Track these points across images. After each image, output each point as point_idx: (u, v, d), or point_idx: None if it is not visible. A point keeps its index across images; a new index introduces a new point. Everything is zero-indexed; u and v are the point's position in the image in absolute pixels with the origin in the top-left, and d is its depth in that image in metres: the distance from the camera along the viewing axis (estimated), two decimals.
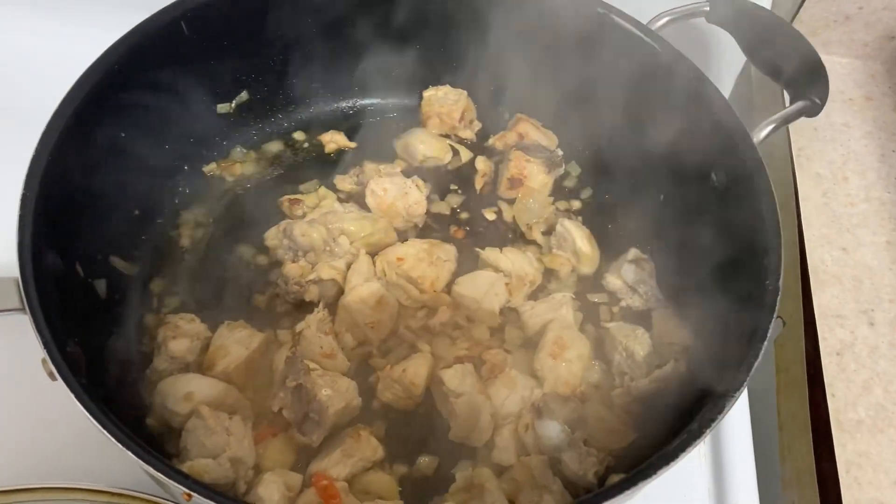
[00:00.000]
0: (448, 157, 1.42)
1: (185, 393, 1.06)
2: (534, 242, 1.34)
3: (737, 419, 1.24)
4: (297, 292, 1.20)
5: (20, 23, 1.57)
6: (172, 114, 1.28)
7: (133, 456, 0.82)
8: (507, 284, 1.24)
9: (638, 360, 1.15)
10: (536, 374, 1.16)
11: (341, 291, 1.21)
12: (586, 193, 1.41)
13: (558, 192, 1.40)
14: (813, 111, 1.18)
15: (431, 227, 1.35)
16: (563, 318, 1.20)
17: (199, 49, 1.26)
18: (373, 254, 1.26)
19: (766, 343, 0.94)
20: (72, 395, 0.85)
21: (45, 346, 0.88)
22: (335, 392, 1.07)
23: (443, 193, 1.39)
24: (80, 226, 1.10)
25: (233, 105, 1.38)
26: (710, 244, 1.16)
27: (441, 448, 1.11)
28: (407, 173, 1.36)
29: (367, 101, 1.49)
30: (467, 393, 1.09)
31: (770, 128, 1.16)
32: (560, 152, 1.41)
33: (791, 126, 1.41)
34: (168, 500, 0.96)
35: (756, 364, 0.93)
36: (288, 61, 1.36)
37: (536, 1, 1.27)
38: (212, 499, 0.80)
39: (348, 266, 1.23)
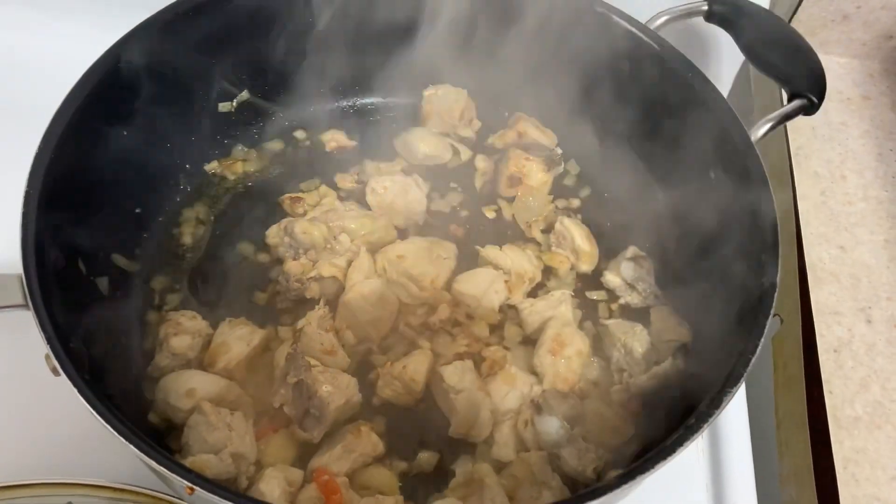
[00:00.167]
0: (448, 155, 1.43)
1: (186, 389, 1.07)
2: (533, 240, 1.34)
3: (735, 415, 1.25)
4: (298, 289, 1.21)
5: (22, 22, 1.57)
6: (174, 112, 1.28)
7: (136, 450, 0.83)
8: (506, 282, 1.24)
9: (636, 357, 1.16)
10: (536, 370, 1.17)
11: (342, 289, 1.22)
12: (585, 191, 1.41)
13: (558, 190, 1.41)
14: (811, 110, 1.18)
15: (431, 225, 1.35)
16: (562, 316, 1.21)
17: (200, 48, 1.27)
18: (373, 251, 1.26)
19: (763, 340, 0.95)
20: (75, 391, 0.86)
21: (49, 341, 0.89)
22: (336, 388, 1.07)
23: (443, 192, 1.39)
24: (83, 223, 1.10)
25: (234, 104, 1.39)
26: (708, 241, 1.17)
27: (441, 444, 1.11)
28: (407, 172, 1.37)
29: (367, 100, 1.50)
30: (467, 389, 1.10)
31: (768, 126, 1.16)
32: (559, 151, 1.41)
33: (789, 125, 1.42)
34: (170, 495, 0.97)
35: (754, 360, 0.94)
36: (289, 60, 1.37)
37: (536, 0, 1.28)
38: (214, 492, 0.80)
39: (349, 264, 1.24)
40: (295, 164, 1.42)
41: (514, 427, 1.11)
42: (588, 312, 1.26)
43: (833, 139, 1.48)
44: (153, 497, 0.96)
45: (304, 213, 1.31)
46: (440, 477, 1.08)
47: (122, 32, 1.17)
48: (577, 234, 1.29)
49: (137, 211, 1.27)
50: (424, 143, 1.41)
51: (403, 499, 1.04)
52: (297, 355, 1.06)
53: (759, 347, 0.94)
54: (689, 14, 1.30)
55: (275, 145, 1.43)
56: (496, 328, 1.23)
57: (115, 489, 0.96)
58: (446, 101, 1.43)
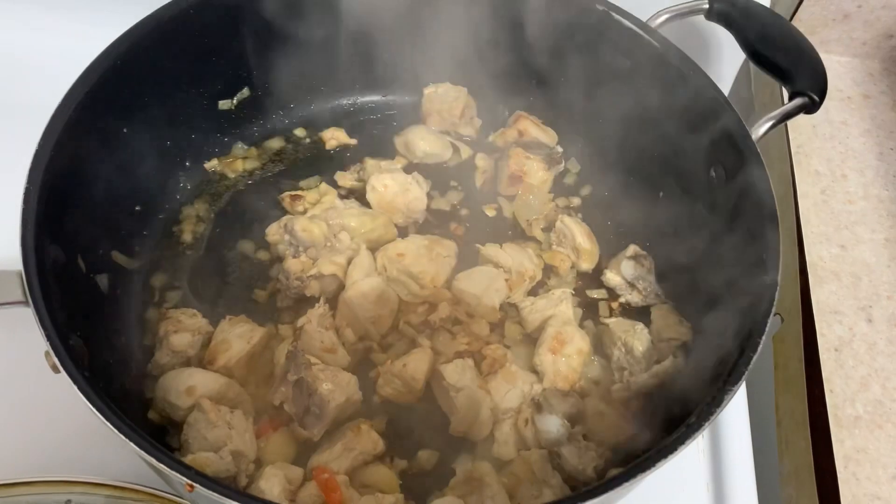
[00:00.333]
0: (448, 153, 1.43)
1: (186, 387, 1.07)
2: (534, 239, 1.34)
3: (735, 414, 1.25)
4: (298, 287, 1.21)
5: (23, 20, 1.57)
6: (174, 110, 1.28)
7: (136, 448, 0.83)
8: (506, 280, 1.24)
9: (637, 356, 1.16)
10: (536, 369, 1.17)
11: (342, 287, 1.22)
12: (586, 190, 1.41)
13: (558, 188, 1.41)
14: (812, 108, 1.18)
15: (432, 224, 1.35)
16: (562, 314, 1.21)
17: (200, 45, 1.27)
18: (373, 249, 1.26)
19: (764, 338, 0.95)
20: (75, 388, 0.86)
21: (49, 338, 0.89)
22: (336, 386, 1.07)
23: (443, 190, 1.39)
24: (83, 220, 1.10)
25: (234, 101, 1.39)
26: (709, 241, 1.17)
27: (441, 442, 1.11)
28: (407, 170, 1.37)
29: (367, 98, 1.50)
30: (467, 387, 1.10)
31: (769, 125, 1.16)
32: (560, 149, 1.41)
33: (789, 123, 1.42)
34: (169, 493, 0.97)
35: (754, 359, 0.93)
36: (289, 58, 1.37)
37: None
38: (214, 490, 0.80)
39: (349, 261, 1.24)
40: (295, 161, 1.42)
41: (515, 425, 1.11)
42: (588, 311, 1.27)
43: (834, 138, 1.48)
44: (153, 495, 0.96)
45: (305, 211, 1.31)
46: (440, 475, 1.08)
47: (123, 30, 1.17)
48: (577, 233, 1.29)
49: (137, 208, 1.27)
50: (425, 142, 1.41)
51: (403, 497, 1.04)
52: (298, 353, 1.06)
53: (760, 346, 0.94)
54: (690, 12, 1.30)
55: (275, 143, 1.43)
56: (496, 326, 1.23)
57: (114, 487, 0.96)
58: (447, 99, 1.43)
